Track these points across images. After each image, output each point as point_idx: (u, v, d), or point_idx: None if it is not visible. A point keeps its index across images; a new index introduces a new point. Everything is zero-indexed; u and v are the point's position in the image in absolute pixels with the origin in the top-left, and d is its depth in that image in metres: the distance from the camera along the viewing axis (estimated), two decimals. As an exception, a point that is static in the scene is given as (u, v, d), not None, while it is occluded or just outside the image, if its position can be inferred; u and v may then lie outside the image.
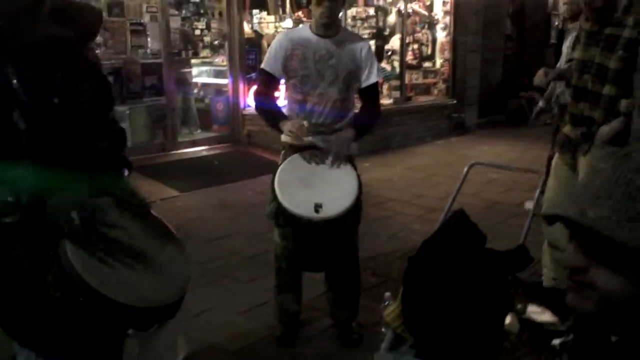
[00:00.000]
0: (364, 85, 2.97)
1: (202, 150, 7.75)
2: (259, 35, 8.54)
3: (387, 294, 2.99)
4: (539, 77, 3.65)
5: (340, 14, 3.04)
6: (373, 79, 2.97)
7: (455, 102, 10.08)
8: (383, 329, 2.88)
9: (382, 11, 9.09)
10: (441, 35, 10.13)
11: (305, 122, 2.88)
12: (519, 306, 2.64)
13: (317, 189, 2.77)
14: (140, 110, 7.26)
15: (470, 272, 2.65)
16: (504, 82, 11.25)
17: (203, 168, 7.02)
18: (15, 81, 1.69)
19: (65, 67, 1.82)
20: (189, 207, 5.60)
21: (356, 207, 2.79)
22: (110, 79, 6.80)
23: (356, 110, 3.13)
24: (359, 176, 2.87)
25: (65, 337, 1.79)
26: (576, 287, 1.02)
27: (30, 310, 1.75)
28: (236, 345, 3.01)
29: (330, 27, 2.92)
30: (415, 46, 9.80)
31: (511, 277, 2.64)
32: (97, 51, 6.41)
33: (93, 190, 1.87)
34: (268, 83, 3.04)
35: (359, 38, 3.00)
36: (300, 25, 3.07)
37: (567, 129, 3.43)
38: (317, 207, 2.63)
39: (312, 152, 2.88)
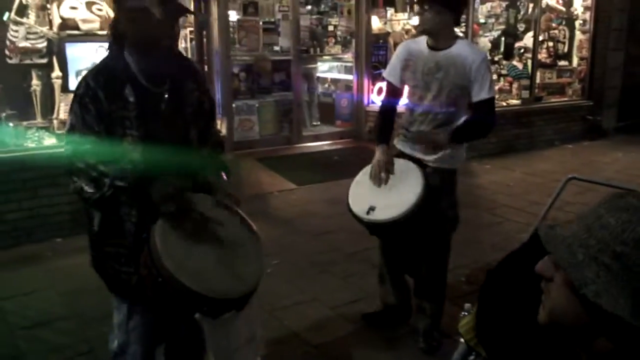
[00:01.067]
0: (474, 100, 2.94)
1: (325, 145, 8.05)
2: (387, 33, 8.66)
3: (467, 305, 3.05)
4: None
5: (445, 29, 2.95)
6: (484, 95, 2.89)
7: (591, 103, 9.55)
8: (461, 340, 2.98)
9: (515, 7, 8.80)
10: (580, 33, 9.61)
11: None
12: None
13: (380, 194, 2.94)
14: (269, 105, 7.71)
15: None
16: (650, 82, 10.44)
17: (323, 163, 7.29)
18: (133, 63, 2.04)
19: (175, 62, 2.16)
20: (303, 201, 5.91)
21: (412, 217, 2.81)
22: (242, 75, 7.32)
23: None
24: (426, 187, 2.85)
25: (150, 302, 2.11)
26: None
27: (127, 269, 2.10)
28: (319, 339, 3.24)
29: (436, 38, 2.96)
30: (550, 43, 9.40)
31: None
32: (231, 49, 6.98)
33: (195, 185, 2.19)
34: (390, 91, 3.21)
35: (473, 52, 2.92)
36: (422, 37, 3.10)
37: None
38: (370, 210, 2.84)
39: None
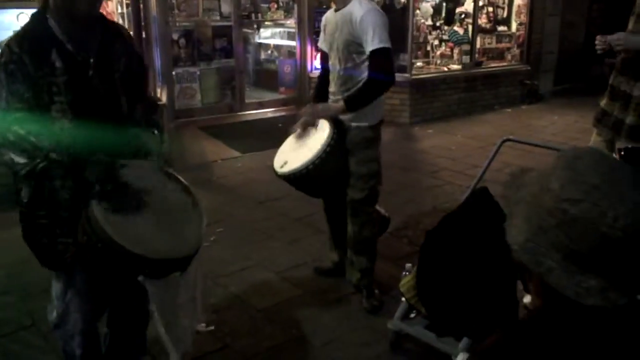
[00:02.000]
0: (367, 54, 2.97)
1: (268, 112, 8.00)
2: (329, -2, 8.61)
3: (408, 265, 3.14)
4: (598, 42, 3.45)
5: None
6: (371, 47, 2.93)
7: (529, 68, 9.79)
8: (402, 299, 3.05)
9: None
10: (518, -2, 9.81)
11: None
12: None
13: (295, 150, 3.15)
14: (211, 72, 7.58)
15: (485, 249, 2.75)
16: (585, 47, 10.75)
17: (267, 130, 7.25)
18: (57, 29, 1.98)
19: (100, 27, 2.10)
20: (247, 168, 5.89)
21: (320, 166, 2.97)
22: (182, 41, 7.15)
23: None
24: (330, 138, 2.98)
25: (89, 269, 2.09)
26: None
27: (63, 240, 2.06)
28: (263, 303, 3.26)
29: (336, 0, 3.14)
30: (490, 9, 9.55)
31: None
32: (169, 15, 6.80)
33: (129, 149, 2.15)
34: (321, 56, 3.40)
35: (361, 7, 2.95)
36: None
37: (604, 102, 3.34)
38: (284, 164, 3.11)
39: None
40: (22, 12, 5.15)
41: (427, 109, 8.22)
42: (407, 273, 3.01)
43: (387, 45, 2.95)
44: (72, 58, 2.00)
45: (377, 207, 3.41)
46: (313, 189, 3.31)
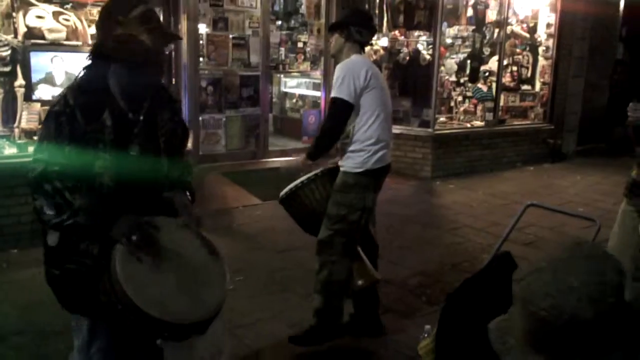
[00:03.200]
0: None
1: (292, 160, 8.06)
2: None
3: (427, 326, 3.10)
4: (630, 110, 3.49)
5: (339, 48, 3.40)
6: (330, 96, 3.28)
7: (552, 127, 9.81)
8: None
9: (481, 31, 9.00)
10: (543, 59, 9.89)
11: None
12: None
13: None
14: (236, 119, 7.70)
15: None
16: (609, 109, 10.78)
17: (288, 178, 7.28)
18: (114, 85, 2.03)
19: (154, 89, 2.17)
20: (267, 216, 5.91)
21: (292, 197, 3.46)
22: (210, 89, 7.31)
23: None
24: (315, 174, 3.33)
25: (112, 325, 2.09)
26: None
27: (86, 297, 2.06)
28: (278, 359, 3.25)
29: (337, 60, 3.40)
30: (514, 68, 9.64)
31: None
32: (200, 62, 6.98)
33: (159, 204, 2.18)
34: None
35: (340, 64, 3.29)
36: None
37: (635, 172, 3.31)
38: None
39: None
40: (57, 56, 5.34)
41: (449, 164, 8.24)
42: (426, 335, 2.97)
43: (338, 95, 3.16)
44: (123, 116, 2.05)
45: (367, 263, 3.44)
46: (302, 219, 3.46)
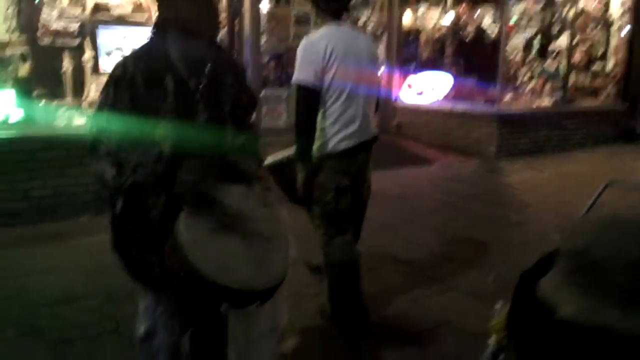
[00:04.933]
0: None
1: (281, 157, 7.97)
2: (418, 30, 8.58)
3: (498, 304, 2.97)
4: None
5: (315, 23, 3.18)
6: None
7: (625, 107, 9.33)
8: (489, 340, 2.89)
9: (550, 8, 8.62)
10: (617, 36, 9.40)
11: None
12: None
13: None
14: (297, 95, 7.66)
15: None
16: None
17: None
18: (174, 51, 1.98)
19: (215, 54, 2.10)
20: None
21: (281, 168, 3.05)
22: (272, 64, 7.28)
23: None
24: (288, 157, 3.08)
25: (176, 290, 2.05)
26: None
27: (151, 257, 2.02)
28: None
29: None
30: (585, 46, 9.21)
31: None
32: (262, 39, 6.95)
33: (226, 171, 2.13)
34: None
35: None
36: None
37: None
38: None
39: None
40: (122, 30, 5.41)
41: (515, 143, 7.96)
42: (496, 313, 2.85)
43: (297, 80, 2.93)
44: (183, 84, 2.00)
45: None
46: (287, 190, 3.17)
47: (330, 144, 3.00)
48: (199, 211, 1.91)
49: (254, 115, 2.44)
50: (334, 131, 2.98)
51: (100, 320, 3.19)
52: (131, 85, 1.92)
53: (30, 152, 4.66)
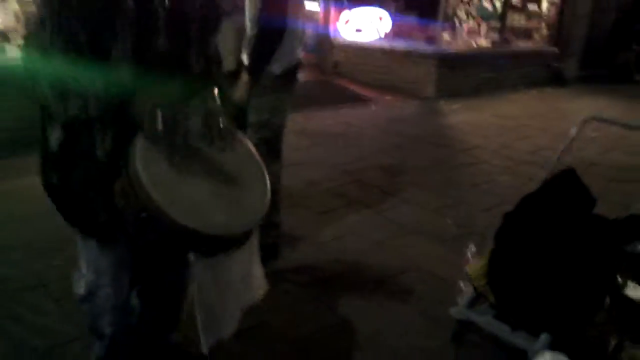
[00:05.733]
0: None
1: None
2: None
3: (472, 248, 2.80)
4: None
5: None
6: None
7: (556, 50, 9.40)
8: (462, 284, 2.71)
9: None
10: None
11: None
12: (619, 281, 2.38)
13: None
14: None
15: (573, 236, 2.41)
16: (613, 32, 10.33)
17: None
18: None
19: None
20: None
21: None
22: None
23: None
24: None
25: (125, 237, 1.70)
26: None
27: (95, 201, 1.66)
28: (303, 279, 2.92)
29: None
30: (521, -15, 9.12)
31: (617, 248, 2.38)
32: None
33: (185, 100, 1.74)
34: None
35: None
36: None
37: None
38: None
39: None
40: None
41: (453, 84, 7.82)
42: (470, 257, 2.68)
43: None
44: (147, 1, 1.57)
45: None
46: None
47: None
48: (157, 143, 1.55)
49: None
50: None
51: (22, 275, 2.76)
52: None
53: None
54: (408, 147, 5.43)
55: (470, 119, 6.78)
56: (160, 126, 1.56)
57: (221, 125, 1.72)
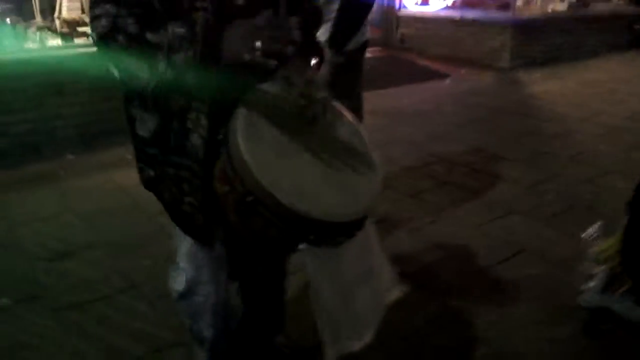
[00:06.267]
0: None
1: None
2: None
3: (596, 226, 2.49)
4: None
5: None
6: None
7: (639, 11, 8.73)
8: (586, 267, 2.41)
9: None
10: None
11: None
12: None
13: None
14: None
15: None
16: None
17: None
18: None
19: None
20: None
21: None
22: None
23: None
24: None
25: (229, 234, 1.51)
26: None
27: (190, 200, 1.48)
28: (410, 268, 2.68)
29: None
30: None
31: None
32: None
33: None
34: None
35: None
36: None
37: None
38: None
39: None
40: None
41: (529, 52, 7.36)
42: (595, 235, 2.36)
43: None
44: None
45: None
46: None
47: None
48: (260, 117, 1.34)
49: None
50: None
51: (107, 276, 2.63)
52: None
53: (2, 82, 3.95)
54: (491, 120, 5.09)
55: (553, 87, 6.34)
56: (262, 98, 1.36)
57: (325, 97, 1.50)
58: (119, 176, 3.58)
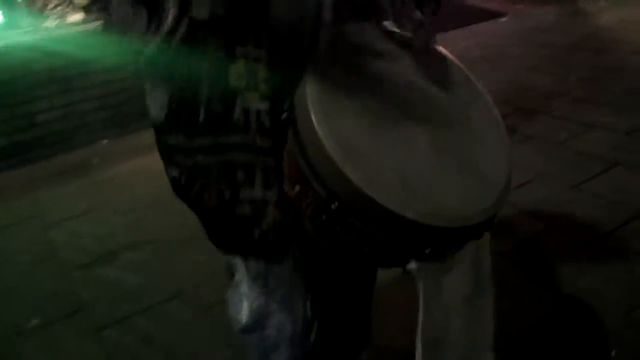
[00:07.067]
0: None
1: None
2: None
3: None
4: None
5: None
6: None
7: None
8: None
9: None
10: None
11: None
12: None
13: None
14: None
15: None
16: None
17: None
18: None
19: None
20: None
21: None
22: None
23: None
24: None
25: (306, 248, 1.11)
26: None
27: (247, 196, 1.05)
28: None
29: None
30: None
31: None
32: None
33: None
34: None
35: None
36: None
37: None
38: None
39: None
40: None
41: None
42: None
43: None
44: None
45: None
46: None
47: None
48: (339, 83, 0.92)
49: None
50: None
51: (154, 284, 2.27)
52: None
53: (25, 65, 3.59)
54: (563, 59, 4.50)
55: (627, 15, 5.64)
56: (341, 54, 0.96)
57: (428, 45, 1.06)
58: (159, 161, 3.20)
